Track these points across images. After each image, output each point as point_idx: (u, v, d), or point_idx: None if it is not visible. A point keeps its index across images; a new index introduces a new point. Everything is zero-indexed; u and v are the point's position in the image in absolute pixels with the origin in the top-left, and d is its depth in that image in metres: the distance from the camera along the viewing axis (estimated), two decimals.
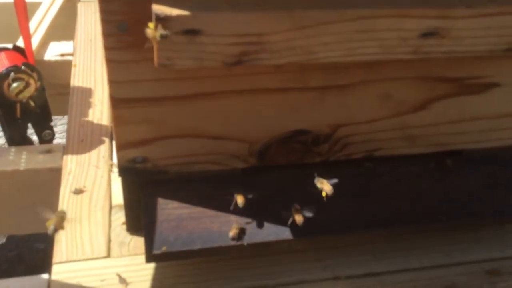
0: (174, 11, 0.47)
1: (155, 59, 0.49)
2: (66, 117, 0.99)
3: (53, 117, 1.06)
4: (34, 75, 0.77)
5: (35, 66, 0.80)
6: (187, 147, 0.60)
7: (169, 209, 0.62)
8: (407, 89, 0.62)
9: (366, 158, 0.67)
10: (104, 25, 0.50)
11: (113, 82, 0.53)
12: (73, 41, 1.11)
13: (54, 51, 1.07)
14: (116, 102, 0.54)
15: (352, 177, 0.67)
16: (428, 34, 0.53)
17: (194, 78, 0.55)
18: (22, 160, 0.80)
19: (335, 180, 0.61)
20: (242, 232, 0.60)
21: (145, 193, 0.63)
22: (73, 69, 1.01)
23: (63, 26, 1.19)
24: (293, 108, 0.60)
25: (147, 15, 0.48)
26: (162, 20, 0.46)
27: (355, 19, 0.51)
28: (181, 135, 0.59)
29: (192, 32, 0.48)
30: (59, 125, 1.74)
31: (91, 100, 0.93)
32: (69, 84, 0.98)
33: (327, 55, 0.52)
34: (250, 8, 0.49)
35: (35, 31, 1.09)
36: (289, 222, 0.60)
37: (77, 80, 0.98)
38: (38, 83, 0.78)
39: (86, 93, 0.94)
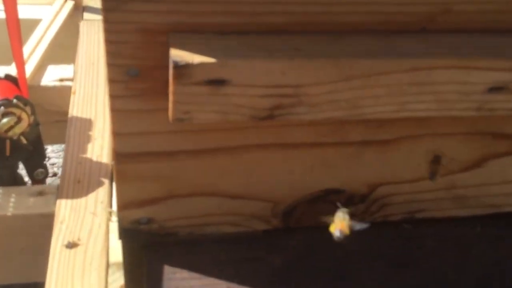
0: (196, 58, 0.38)
1: (170, 113, 0.40)
2: (63, 146, 0.90)
3: (50, 147, 0.97)
4: (27, 109, 0.68)
5: (29, 99, 0.71)
6: (201, 207, 0.51)
7: (176, 280, 0.52)
8: (459, 146, 0.53)
9: (406, 219, 0.58)
10: (111, 70, 0.41)
11: (118, 135, 0.44)
12: (74, 64, 1.03)
13: (52, 76, 0.99)
14: (120, 157, 0.46)
15: (390, 240, 0.58)
16: (495, 89, 0.45)
17: (214, 130, 0.46)
18: (11, 203, 0.70)
19: (365, 225, 0.51)
20: None
21: (148, 258, 0.54)
22: (72, 96, 0.92)
23: (64, 46, 1.11)
24: (326, 165, 0.52)
25: (163, 60, 0.40)
26: (181, 68, 0.38)
27: (410, 70, 0.42)
28: (194, 194, 0.50)
29: (217, 83, 0.39)
30: (56, 154, 1.63)
31: (91, 133, 0.84)
32: (67, 111, 0.90)
33: (375, 110, 0.44)
34: (286, 55, 0.40)
35: (32, 51, 1.01)
36: None
37: (76, 109, 0.89)
38: (31, 118, 0.69)
39: (86, 125, 0.85)
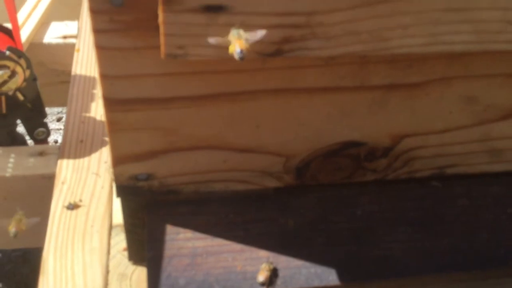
0: None
1: (162, 48, 0.35)
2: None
3: (55, 109, 0.93)
4: (22, 62, 0.63)
5: (23, 51, 0.66)
6: (205, 161, 0.46)
7: (180, 241, 0.48)
8: (498, 90, 0.46)
9: (435, 176, 0.52)
10: None
11: (105, 77, 0.39)
12: (78, 20, 0.97)
13: (55, 33, 0.93)
14: (110, 103, 0.40)
15: (417, 200, 0.52)
16: None
17: (215, 73, 0.41)
18: (10, 164, 0.66)
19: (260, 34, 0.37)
20: (274, 274, 0.46)
21: (150, 217, 0.49)
22: (75, 54, 0.87)
23: (68, 3, 1.05)
24: (345, 113, 0.46)
25: None
26: None
27: None
28: (197, 147, 0.45)
29: (214, 9, 0.33)
30: (60, 118, 1.60)
31: (95, 91, 0.79)
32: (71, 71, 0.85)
33: (403, 43, 0.37)
34: None
35: (34, 7, 0.95)
36: None
37: (79, 67, 0.84)
38: (27, 72, 0.64)
39: (90, 83, 0.80)
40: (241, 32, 0.33)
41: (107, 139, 0.70)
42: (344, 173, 0.50)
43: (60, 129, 1.44)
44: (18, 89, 0.66)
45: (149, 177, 0.46)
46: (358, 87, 0.44)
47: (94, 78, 0.82)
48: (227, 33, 0.34)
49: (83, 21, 0.96)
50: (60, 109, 1.50)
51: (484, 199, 0.53)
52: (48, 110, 1.11)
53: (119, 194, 0.47)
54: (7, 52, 0.62)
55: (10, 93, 0.64)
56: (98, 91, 0.80)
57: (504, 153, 0.51)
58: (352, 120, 0.46)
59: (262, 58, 0.38)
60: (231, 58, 0.34)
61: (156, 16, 0.35)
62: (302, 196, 0.52)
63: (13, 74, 0.63)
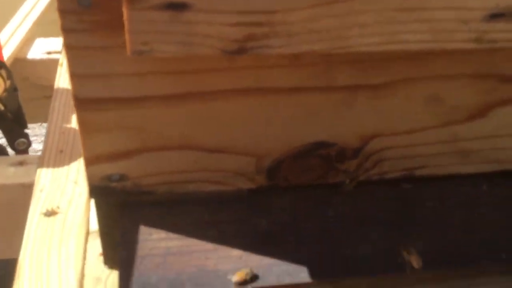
0: None
1: (127, 45, 0.36)
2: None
3: (40, 124, 0.93)
4: (2, 72, 0.65)
5: (4, 62, 0.67)
6: (176, 162, 0.47)
7: (153, 241, 0.48)
8: (462, 91, 0.48)
9: (405, 177, 0.53)
10: None
11: (75, 76, 0.40)
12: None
13: (40, 49, 0.95)
14: (81, 103, 0.41)
15: (388, 201, 0.53)
16: (497, 16, 0.39)
17: (183, 73, 0.42)
18: None
19: None
20: (254, 278, 0.46)
21: (123, 218, 0.49)
22: (59, 68, 0.88)
23: (53, 21, 1.07)
24: (313, 113, 0.47)
25: None
26: None
27: None
28: (168, 147, 0.46)
29: (177, 7, 0.35)
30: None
31: None
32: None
33: (362, 42, 0.39)
34: None
35: (20, 24, 0.97)
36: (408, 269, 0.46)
37: (62, 80, 0.85)
38: (8, 83, 0.66)
39: (71, 96, 0.81)
40: None
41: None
42: (316, 174, 0.51)
43: None
44: None
45: (122, 177, 0.47)
46: (325, 88, 0.45)
47: None
48: (190, 30, 0.36)
49: None
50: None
51: (454, 200, 0.54)
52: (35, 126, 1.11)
53: (92, 195, 0.48)
54: None
55: None
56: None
57: (472, 154, 0.53)
58: (321, 120, 0.47)
59: (228, 57, 0.39)
60: (196, 55, 0.35)
61: (122, 15, 0.36)
62: (275, 197, 0.53)
63: None
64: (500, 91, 0.48)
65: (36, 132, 1.79)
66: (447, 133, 0.50)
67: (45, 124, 1.48)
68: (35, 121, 1.03)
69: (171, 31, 0.36)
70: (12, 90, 0.67)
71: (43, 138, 1.53)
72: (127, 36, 0.36)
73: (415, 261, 0.46)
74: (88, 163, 0.45)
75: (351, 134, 0.49)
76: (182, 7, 0.35)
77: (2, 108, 0.68)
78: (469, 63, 0.46)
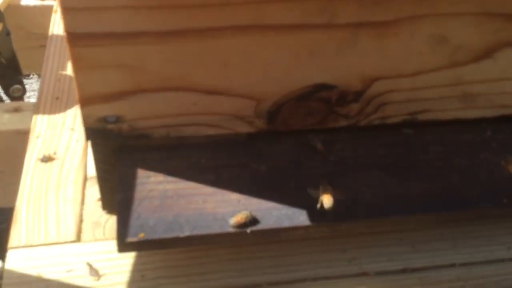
0: None
1: None
2: None
3: (38, 79, 0.91)
4: None
5: None
6: (174, 104, 0.46)
7: (151, 184, 0.48)
8: (468, 30, 0.46)
9: (407, 122, 0.52)
10: None
11: (67, 10, 0.38)
12: None
13: None
14: (74, 38, 0.40)
15: (389, 146, 0.53)
16: None
17: (181, 7, 0.40)
18: None
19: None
20: (253, 222, 0.46)
21: (120, 162, 0.49)
22: (53, 15, 0.86)
23: None
24: (314, 53, 0.45)
25: None
26: None
27: None
28: (165, 88, 0.45)
29: None
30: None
31: None
32: None
33: None
34: None
35: None
36: (318, 205, 0.46)
37: (56, 27, 0.83)
38: (0, 25, 0.64)
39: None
40: None
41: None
42: (316, 118, 0.50)
43: None
44: None
45: (118, 119, 0.46)
46: (326, 25, 0.44)
47: None
48: None
49: None
50: None
51: (456, 146, 0.54)
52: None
53: (88, 137, 0.47)
54: None
55: None
56: None
57: (477, 98, 0.51)
58: (322, 61, 0.46)
59: None
60: None
61: None
62: (275, 142, 0.52)
63: None
64: (508, 31, 0.47)
65: (34, 88, 1.77)
66: (452, 75, 0.49)
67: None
68: (31, 70, 1.01)
69: None
70: (5, 35, 0.65)
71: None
72: None
73: (327, 200, 0.44)
74: (83, 104, 0.44)
75: (353, 76, 0.48)
76: None
77: None
78: (476, 0, 0.44)
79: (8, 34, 0.66)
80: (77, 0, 0.38)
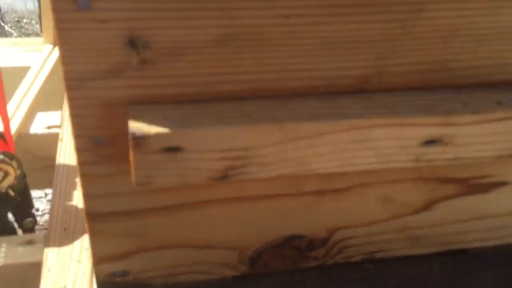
0: (153, 129, 0.43)
1: (132, 178, 0.45)
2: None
3: (43, 191, 1.01)
4: (14, 163, 0.73)
5: (15, 154, 0.75)
6: (171, 258, 0.55)
7: None
8: (408, 191, 0.57)
9: (366, 260, 0.62)
10: (77, 140, 0.46)
11: (87, 197, 0.49)
12: (62, 110, 1.08)
13: (41, 123, 1.04)
14: (92, 217, 0.50)
15: (354, 282, 0.62)
16: (430, 142, 0.49)
17: (176, 189, 0.51)
18: (1, 253, 0.74)
19: None
20: None
21: None
22: (59, 143, 0.96)
23: (53, 92, 1.16)
24: (286, 213, 0.56)
25: (124, 128, 0.45)
26: (139, 139, 0.42)
27: (349, 129, 0.47)
28: (164, 247, 0.54)
29: (173, 150, 0.44)
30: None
31: (77, 180, 0.88)
32: (55, 156, 0.94)
33: (321, 166, 0.48)
34: (235, 122, 0.45)
35: (22, 98, 1.06)
36: None
37: (62, 156, 0.93)
38: (18, 171, 0.74)
39: (72, 172, 0.90)
40: None
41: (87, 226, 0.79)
42: (290, 262, 0.60)
43: None
44: (9, 186, 0.75)
45: (124, 273, 0.55)
46: (294, 194, 0.54)
47: (75, 167, 0.92)
48: (183, 166, 0.45)
49: (65, 111, 1.07)
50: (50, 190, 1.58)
51: (410, 278, 0.63)
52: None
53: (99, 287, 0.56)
54: (1, 156, 0.72)
55: (3, 191, 0.73)
56: (79, 180, 0.89)
57: (422, 239, 0.62)
58: (293, 218, 0.56)
59: (213, 182, 0.48)
60: (188, 184, 0.44)
61: (128, 151, 0.45)
62: (256, 282, 0.61)
63: (6, 174, 0.72)
64: (441, 190, 0.58)
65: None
66: (399, 223, 0.59)
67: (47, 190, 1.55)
68: (38, 187, 1.10)
69: (168, 168, 0.44)
70: (22, 177, 0.75)
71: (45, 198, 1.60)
72: (132, 172, 0.44)
73: None
74: (96, 263, 0.53)
75: (319, 227, 0.58)
76: (177, 150, 0.44)
77: (12, 194, 0.75)
78: (412, 171, 0.56)
79: (24, 177, 0.76)
80: (96, 189, 0.48)
